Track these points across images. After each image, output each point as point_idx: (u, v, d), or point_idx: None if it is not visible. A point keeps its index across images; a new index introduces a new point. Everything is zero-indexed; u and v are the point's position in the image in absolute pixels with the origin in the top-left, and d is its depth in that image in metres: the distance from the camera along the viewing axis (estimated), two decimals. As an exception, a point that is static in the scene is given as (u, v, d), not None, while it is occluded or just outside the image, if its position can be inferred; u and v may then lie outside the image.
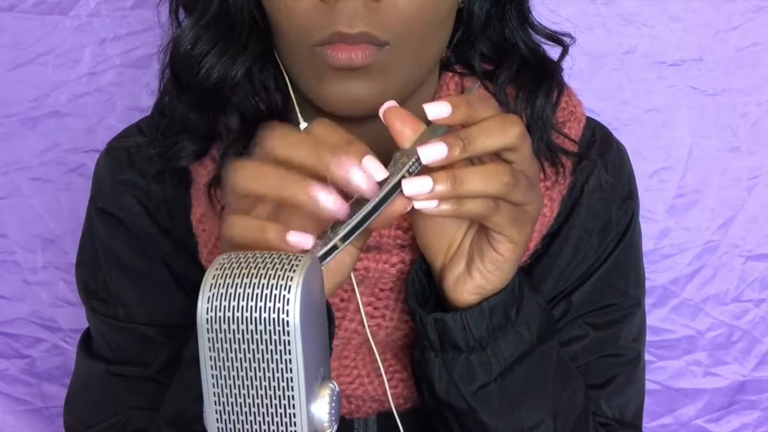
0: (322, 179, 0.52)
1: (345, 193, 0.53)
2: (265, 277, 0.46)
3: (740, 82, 1.16)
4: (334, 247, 0.53)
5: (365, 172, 0.52)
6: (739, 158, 1.18)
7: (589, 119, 0.79)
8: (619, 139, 0.82)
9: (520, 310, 0.65)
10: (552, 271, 0.77)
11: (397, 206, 0.55)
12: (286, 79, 0.71)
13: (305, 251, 0.52)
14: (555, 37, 0.75)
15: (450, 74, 0.75)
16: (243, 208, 0.55)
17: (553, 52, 0.76)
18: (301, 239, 0.52)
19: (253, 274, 0.46)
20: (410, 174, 0.54)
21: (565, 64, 0.76)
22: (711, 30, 1.15)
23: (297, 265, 0.47)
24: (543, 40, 0.75)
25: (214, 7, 0.69)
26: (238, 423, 0.47)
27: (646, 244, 0.86)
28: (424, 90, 0.72)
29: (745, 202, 1.19)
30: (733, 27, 1.14)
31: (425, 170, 0.55)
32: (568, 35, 0.75)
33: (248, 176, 0.54)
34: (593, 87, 1.14)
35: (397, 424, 0.76)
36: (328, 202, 0.51)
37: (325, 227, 0.54)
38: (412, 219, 0.66)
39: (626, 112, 1.16)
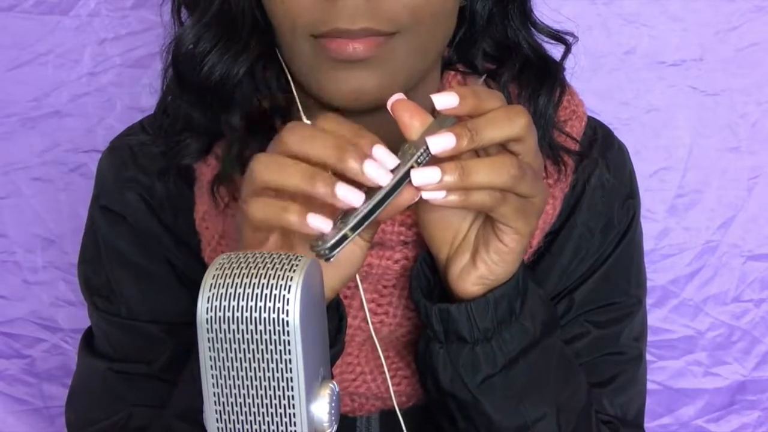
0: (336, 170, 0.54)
1: (358, 184, 0.54)
2: (265, 277, 0.46)
3: (740, 82, 1.16)
4: (344, 237, 0.53)
5: (377, 162, 0.54)
6: (739, 158, 1.18)
7: (590, 118, 0.79)
8: (619, 138, 0.82)
9: (524, 303, 0.65)
10: (554, 269, 0.77)
11: (405, 196, 0.55)
12: (289, 77, 0.71)
13: (318, 248, 0.53)
14: (558, 36, 0.75)
15: (452, 73, 0.75)
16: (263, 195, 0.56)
17: (554, 51, 0.76)
18: (320, 222, 0.53)
19: (253, 274, 0.46)
20: (419, 164, 0.55)
21: (568, 63, 0.76)
22: (711, 30, 1.15)
23: (297, 265, 0.47)
24: (545, 39, 0.75)
25: (215, 5, 0.69)
26: (238, 423, 0.47)
27: (646, 244, 0.86)
28: (426, 87, 0.72)
29: (745, 202, 1.19)
30: (733, 27, 1.14)
31: (433, 161, 0.55)
32: (571, 34, 0.75)
33: (270, 169, 0.55)
34: (593, 87, 1.14)
35: (399, 423, 0.76)
36: (345, 192, 0.53)
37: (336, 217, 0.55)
38: (417, 211, 0.66)
39: (626, 112, 1.17)
